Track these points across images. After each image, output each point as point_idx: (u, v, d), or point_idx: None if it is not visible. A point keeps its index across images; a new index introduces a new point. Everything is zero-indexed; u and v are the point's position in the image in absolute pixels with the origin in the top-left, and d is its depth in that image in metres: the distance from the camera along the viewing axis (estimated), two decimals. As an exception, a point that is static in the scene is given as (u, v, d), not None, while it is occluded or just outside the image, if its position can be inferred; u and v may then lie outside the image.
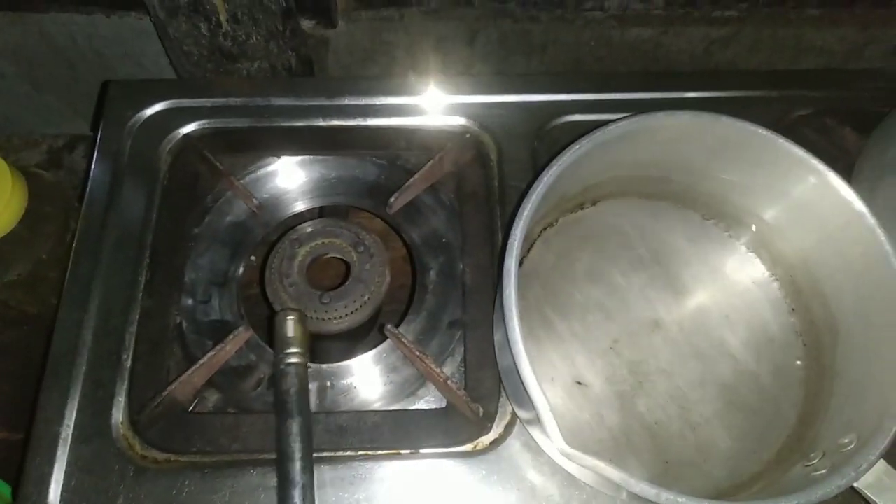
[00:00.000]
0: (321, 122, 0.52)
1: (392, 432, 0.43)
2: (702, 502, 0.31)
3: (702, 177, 0.46)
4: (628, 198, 0.48)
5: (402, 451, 0.42)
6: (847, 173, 0.49)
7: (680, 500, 0.32)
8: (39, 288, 0.53)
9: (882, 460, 0.34)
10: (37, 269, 0.51)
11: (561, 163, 0.39)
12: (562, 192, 0.44)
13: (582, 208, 0.48)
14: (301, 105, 0.53)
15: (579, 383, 0.43)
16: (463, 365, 0.46)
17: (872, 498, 0.35)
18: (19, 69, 0.84)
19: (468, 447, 0.43)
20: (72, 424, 0.43)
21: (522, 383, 0.34)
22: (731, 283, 0.47)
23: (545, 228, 0.47)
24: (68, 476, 0.41)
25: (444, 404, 0.45)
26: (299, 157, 0.52)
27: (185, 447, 0.42)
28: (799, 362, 0.44)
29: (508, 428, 0.43)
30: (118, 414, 0.43)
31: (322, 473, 0.42)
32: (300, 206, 0.51)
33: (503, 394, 0.44)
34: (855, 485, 0.34)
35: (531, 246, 0.47)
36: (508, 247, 0.37)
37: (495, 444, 0.43)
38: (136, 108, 0.53)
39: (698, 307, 0.46)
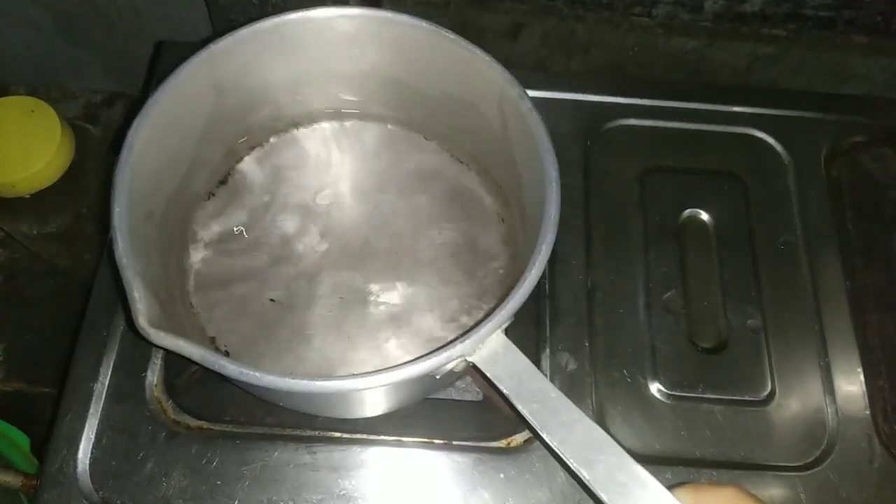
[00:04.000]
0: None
1: (426, 421, 0.42)
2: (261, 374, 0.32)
3: (418, 92, 0.46)
4: (349, 120, 0.48)
5: (435, 441, 0.42)
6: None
7: (257, 373, 0.31)
8: (75, 243, 0.53)
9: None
10: (75, 222, 0.51)
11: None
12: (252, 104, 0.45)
13: (297, 128, 0.48)
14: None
15: (273, 300, 0.44)
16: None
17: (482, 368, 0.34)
18: (57, 22, 0.83)
19: (501, 443, 0.43)
20: (106, 382, 0.42)
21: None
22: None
23: (254, 147, 0.47)
24: (99, 434, 0.41)
25: (481, 396, 0.45)
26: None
27: (218, 416, 0.42)
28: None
29: (543, 427, 0.43)
30: (152, 376, 0.43)
31: (355, 455, 0.41)
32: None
33: (540, 392, 0.44)
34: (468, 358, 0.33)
35: (237, 162, 0.47)
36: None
37: (529, 442, 0.43)
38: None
39: (407, 210, 0.47)
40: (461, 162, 0.48)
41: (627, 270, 0.48)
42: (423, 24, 0.41)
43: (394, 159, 0.48)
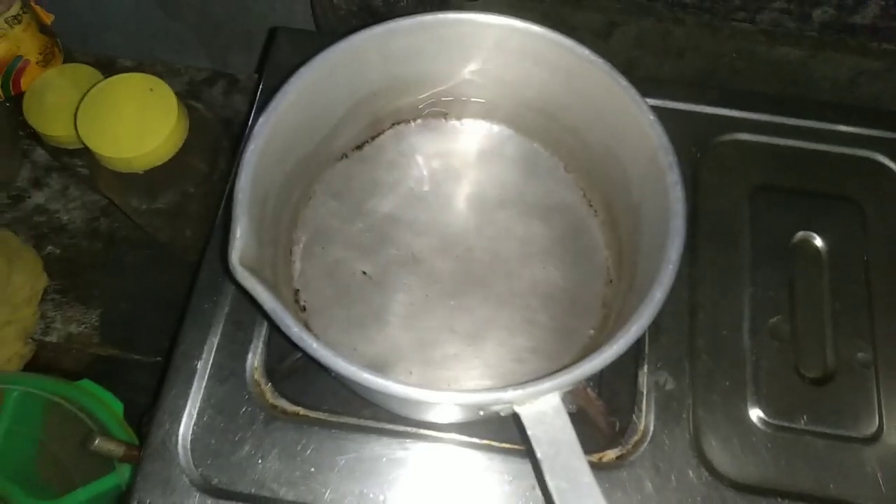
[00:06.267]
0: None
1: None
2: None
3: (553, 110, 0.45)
4: (499, 125, 0.48)
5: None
6: None
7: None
8: (179, 219, 0.54)
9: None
10: (182, 200, 0.52)
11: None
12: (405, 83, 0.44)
13: (447, 119, 0.48)
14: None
15: (364, 273, 0.44)
16: (598, 373, 0.45)
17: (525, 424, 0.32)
18: (156, -5, 0.85)
19: (594, 458, 0.42)
20: (210, 362, 0.43)
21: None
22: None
23: (398, 123, 0.47)
24: (201, 412, 0.42)
25: (575, 409, 0.44)
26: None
27: (315, 404, 0.43)
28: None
29: (637, 445, 0.42)
30: (253, 359, 0.44)
31: (447, 456, 0.42)
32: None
33: (636, 409, 0.43)
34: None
35: (378, 134, 0.47)
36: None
37: (621, 459, 0.42)
38: (300, 58, 0.52)
39: (521, 234, 0.46)
40: (591, 205, 0.46)
41: (733, 291, 0.46)
42: (601, 62, 0.39)
43: (527, 179, 0.47)
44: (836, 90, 0.78)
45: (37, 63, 0.58)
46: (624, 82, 0.39)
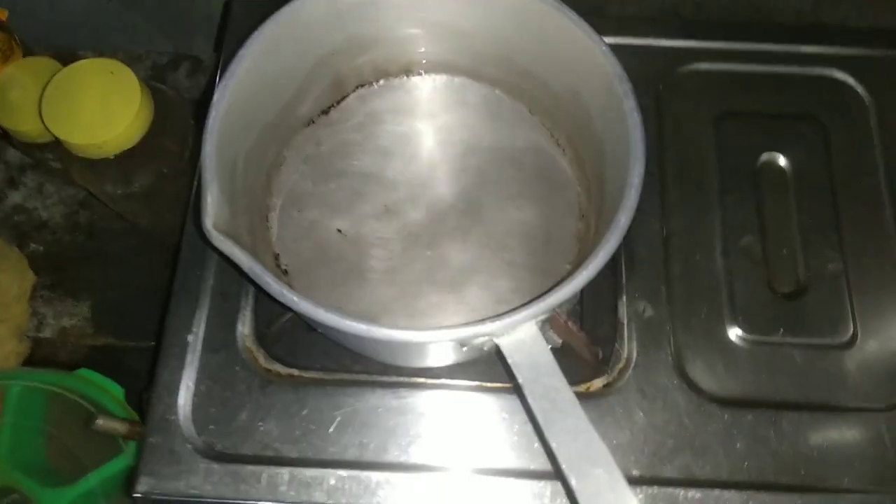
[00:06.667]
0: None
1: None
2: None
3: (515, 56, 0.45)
4: (460, 76, 0.48)
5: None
6: None
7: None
8: (156, 201, 0.55)
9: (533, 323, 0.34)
10: (157, 182, 0.52)
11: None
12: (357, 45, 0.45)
13: (408, 76, 0.48)
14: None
15: (340, 231, 0.45)
16: (579, 307, 0.46)
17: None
18: (110, -15, 0.84)
19: (581, 388, 0.43)
20: (200, 334, 0.44)
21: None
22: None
23: (362, 86, 0.48)
24: (198, 383, 0.43)
25: (559, 343, 0.45)
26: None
27: (308, 364, 0.44)
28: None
29: (622, 372, 0.44)
30: (243, 327, 0.45)
31: (439, 400, 0.43)
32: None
33: (618, 339, 0.44)
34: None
35: (343, 97, 0.48)
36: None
37: (609, 387, 0.43)
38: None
39: (492, 178, 0.46)
40: (558, 144, 0.47)
41: (703, 217, 0.47)
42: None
43: (493, 125, 0.48)
44: (800, 18, 0.78)
45: (-5, 60, 0.58)
46: (574, 16, 0.39)
